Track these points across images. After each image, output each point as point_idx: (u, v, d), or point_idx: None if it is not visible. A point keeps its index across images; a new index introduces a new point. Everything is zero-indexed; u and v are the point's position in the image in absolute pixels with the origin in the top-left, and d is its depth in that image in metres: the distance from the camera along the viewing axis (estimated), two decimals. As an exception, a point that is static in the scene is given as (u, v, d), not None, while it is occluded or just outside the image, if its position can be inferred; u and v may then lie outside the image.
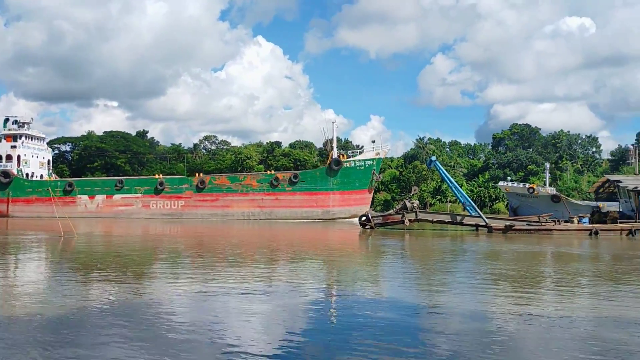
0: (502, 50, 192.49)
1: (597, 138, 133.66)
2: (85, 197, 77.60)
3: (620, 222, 44.43)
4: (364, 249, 34.04)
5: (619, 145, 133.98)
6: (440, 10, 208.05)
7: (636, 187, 45.40)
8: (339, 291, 17.51)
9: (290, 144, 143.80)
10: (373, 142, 73.95)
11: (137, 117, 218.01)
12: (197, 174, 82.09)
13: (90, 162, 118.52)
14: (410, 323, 12.97)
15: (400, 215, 47.76)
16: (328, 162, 71.73)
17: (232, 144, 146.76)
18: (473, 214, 50.07)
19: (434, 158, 62.05)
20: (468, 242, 37.93)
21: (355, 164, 70.94)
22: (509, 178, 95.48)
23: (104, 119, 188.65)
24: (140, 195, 76.03)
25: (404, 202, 50.12)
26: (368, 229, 47.40)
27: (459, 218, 48.79)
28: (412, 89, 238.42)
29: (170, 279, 19.44)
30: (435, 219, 49.69)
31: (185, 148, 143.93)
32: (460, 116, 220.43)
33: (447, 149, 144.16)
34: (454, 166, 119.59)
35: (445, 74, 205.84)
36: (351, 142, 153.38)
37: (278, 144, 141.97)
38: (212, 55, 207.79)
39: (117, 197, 76.62)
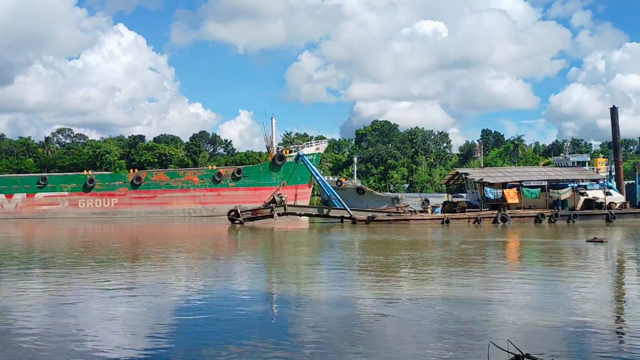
0: (364, 50, 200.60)
1: (447, 134, 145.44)
2: (1, 195, 70.30)
3: (468, 211, 48.86)
4: (233, 244, 33.91)
5: (466, 141, 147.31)
6: (307, 8, 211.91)
7: (481, 179, 50.16)
8: (207, 287, 17.32)
9: (154, 138, 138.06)
10: (310, 138, 75.31)
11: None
12: (131, 170, 77.73)
13: None
14: (279, 314, 13.26)
15: (269, 210, 48.19)
16: (271, 157, 71.57)
17: (90, 138, 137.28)
18: (339, 206, 52.01)
19: (302, 153, 63.41)
20: (334, 234, 39.40)
21: None
22: (321, 172, 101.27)
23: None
24: (66, 193, 70.44)
25: (273, 196, 50.61)
26: (237, 223, 47.22)
27: (325, 211, 50.35)
28: (280, 85, 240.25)
29: (24, 284, 17.87)
30: (303, 212, 50.82)
31: (36, 142, 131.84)
32: (326, 112, 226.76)
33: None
34: (320, 161, 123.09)
35: (311, 71, 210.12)
36: (219, 136, 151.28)
37: (141, 137, 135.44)
38: (67, 43, 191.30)
39: (39, 195, 70.39)
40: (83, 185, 70.65)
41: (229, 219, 48.28)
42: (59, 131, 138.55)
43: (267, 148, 74.45)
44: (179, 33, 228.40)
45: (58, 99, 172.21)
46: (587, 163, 69.65)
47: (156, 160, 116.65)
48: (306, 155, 70.83)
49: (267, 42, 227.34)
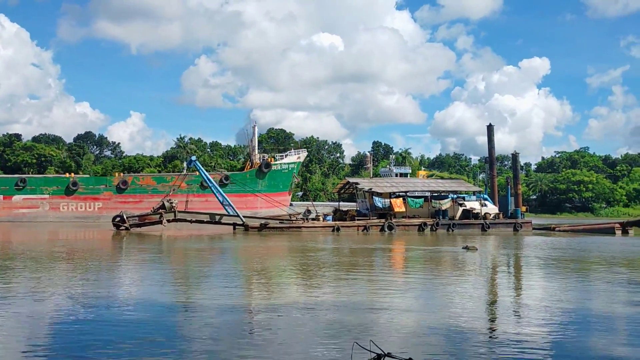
0: (262, 59, 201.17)
1: (341, 145, 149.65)
2: None
3: (358, 220, 50.55)
4: (117, 251, 32.46)
5: (358, 152, 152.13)
6: (205, 12, 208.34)
7: (371, 189, 52.13)
8: (90, 294, 16.50)
9: (33, 138, 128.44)
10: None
11: None
12: (116, 174, 75.82)
13: None
14: (166, 321, 12.99)
15: (158, 216, 46.64)
16: (258, 165, 71.93)
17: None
18: (231, 213, 51.55)
19: (194, 158, 62.32)
20: (226, 241, 39.00)
21: (281, 167, 72.86)
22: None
23: None
24: (47, 196, 67.30)
25: (162, 201, 49.08)
26: (123, 230, 45.19)
27: (217, 217, 49.64)
28: (175, 88, 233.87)
29: None
30: (194, 219, 49.69)
31: None
32: (222, 118, 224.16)
33: (209, 150, 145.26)
34: (214, 167, 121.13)
35: (208, 76, 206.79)
36: (107, 138, 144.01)
37: (18, 136, 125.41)
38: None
39: (17, 198, 66.93)
40: (65, 188, 68.00)
41: (114, 224, 46.15)
42: None
43: (249, 155, 74.66)
44: (66, 28, 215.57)
45: None
46: (408, 174, 75.32)
47: (35, 161, 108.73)
48: (290, 163, 73.81)
49: (162, 44, 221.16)
